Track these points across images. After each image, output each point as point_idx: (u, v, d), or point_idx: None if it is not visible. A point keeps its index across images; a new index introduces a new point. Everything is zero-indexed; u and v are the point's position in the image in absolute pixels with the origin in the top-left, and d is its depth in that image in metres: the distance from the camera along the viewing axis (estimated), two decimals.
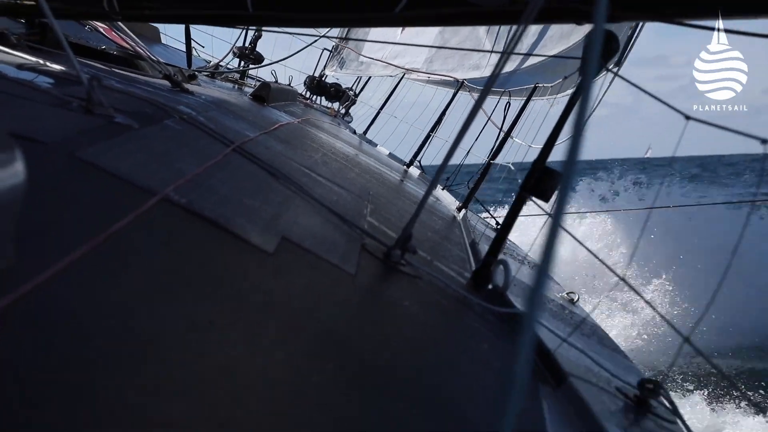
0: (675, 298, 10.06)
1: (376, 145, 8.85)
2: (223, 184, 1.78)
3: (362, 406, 1.12)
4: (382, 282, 1.92)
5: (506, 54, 2.60)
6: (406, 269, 2.02)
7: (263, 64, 7.59)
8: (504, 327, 2.04)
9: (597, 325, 3.22)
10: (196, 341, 0.99)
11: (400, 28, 8.52)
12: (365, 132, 9.94)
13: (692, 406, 6.68)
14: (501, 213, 6.76)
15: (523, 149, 5.77)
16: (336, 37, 10.92)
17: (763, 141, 1.83)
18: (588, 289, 7.54)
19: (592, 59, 0.88)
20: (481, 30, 7.86)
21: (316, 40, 7.49)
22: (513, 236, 2.76)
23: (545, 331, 2.13)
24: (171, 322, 1.00)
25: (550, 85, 6.61)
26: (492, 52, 7.19)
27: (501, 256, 2.41)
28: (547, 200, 2.24)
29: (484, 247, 3.13)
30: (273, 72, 7.56)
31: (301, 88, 10.07)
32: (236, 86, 6.18)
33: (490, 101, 6.69)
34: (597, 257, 2.86)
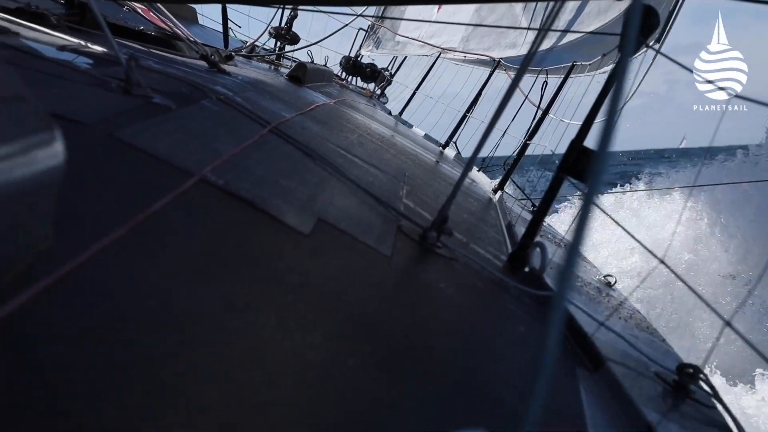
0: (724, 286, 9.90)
1: (411, 126, 8.80)
2: (260, 164, 1.79)
3: (397, 389, 1.11)
4: (418, 264, 1.91)
5: (543, 31, 2.56)
6: (442, 251, 2.01)
7: (300, 47, 7.56)
8: (540, 310, 2.02)
9: (635, 309, 3.18)
10: (232, 323, 0.99)
11: (437, 7, 8.45)
12: (401, 113, 9.87)
13: (733, 392, 6.58)
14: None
15: (560, 130, 5.70)
16: (372, 16, 10.87)
17: None
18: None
19: (630, 34, 0.86)
20: (518, 7, 7.76)
21: (353, 20, 7.47)
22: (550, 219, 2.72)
23: (582, 315, 2.10)
24: (208, 304, 1.01)
25: (588, 63, 6.50)
26: (529, 29, 7.09)
27: (537, 239, 2.38)
28: (585, 181, 2.20)
29: (520, 229, 3.10)
30: (309, 52, 7.56)
31: (336, 69, 10.05)
32: (272, 67, 6.18)
33: (527, 80, 6.61)
34: (635, 238, 2.81)
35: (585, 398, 1.57)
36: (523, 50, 7.74)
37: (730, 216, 11.44)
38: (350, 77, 10.61)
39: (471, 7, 8.49)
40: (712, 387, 1.95)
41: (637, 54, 3.78)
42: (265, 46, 7.60)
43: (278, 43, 7.61)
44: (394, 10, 10.66)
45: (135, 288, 0.94)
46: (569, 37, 6.98)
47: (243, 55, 5.74)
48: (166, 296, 0.96)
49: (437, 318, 1.60)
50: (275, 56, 6.99)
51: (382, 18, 11.05)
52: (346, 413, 0.95)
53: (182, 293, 0.99)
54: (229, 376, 0.86)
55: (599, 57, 6.37)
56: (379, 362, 1.16)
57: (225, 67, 3.47)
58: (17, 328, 0.74)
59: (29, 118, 0.79)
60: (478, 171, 6.69)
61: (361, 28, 11.21)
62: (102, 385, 0.72)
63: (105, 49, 2.50)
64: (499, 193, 5.08)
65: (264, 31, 6.91)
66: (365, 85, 10.65)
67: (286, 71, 5.58)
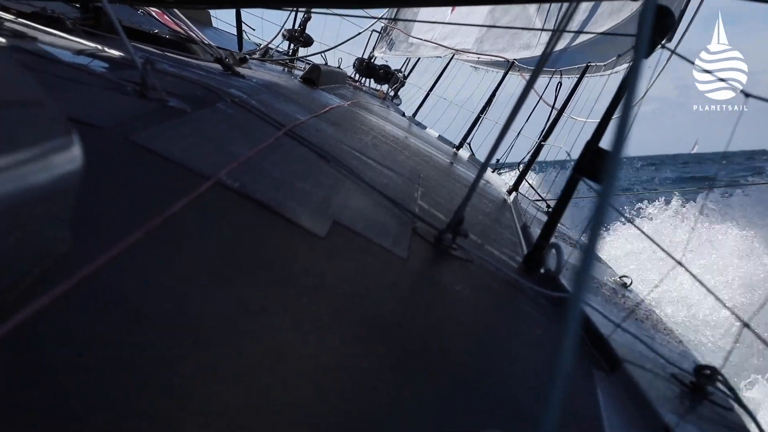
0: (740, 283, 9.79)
1: (425, 127, 8.79)
2: (275, 167, 1.79)
3: (413, 391, 1.11)
4: (434, 266, 1.91)
5: (558, 32, 2.55)
6: (458, 253, 2.01)
7: (316, 51, 7.55)
8: (556, 311, 2.01)
9: (652, 310, 3.16)
10: (248, 325, 0.99)
11: (450, 9, 8.44)
12: (414, 114, 9.86)
13: (752, 395, 6.51)
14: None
15: (575, 131, 5.67)
16: (386, 18, 10.87)
17: None
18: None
19: (643, 35, 0.85)
20: (532, 9, 7.73)
21: (373, 23, 7.45)
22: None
23: (599, 316, 2.09)
24: (223, 306, 1.01)
25: (603, 63, 6.47)
26: (543, 30, 7.06)
27: (553, 240, 2.37)
28: (601, 182, 2.19)
29: (535, 231, 3.09)
30: (323, 54, 7.57)
31: (350, 70, 10.06)
32: (286, 69, 6.20)
33: (541, 81, 6.58)
34: (652, 240, 2.79)
35: (602, 400, 1.56)
36: (538, 51, 7.71)
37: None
38: (364, 79, 10.61)
39: (485, 9, 8.47)
40: (731, 388, 1.93)
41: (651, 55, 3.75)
42: (278, 49, 7.61)
43: (292, 45, 7.62)
44: (408, 12, 10.65)
45: (151, 291, 0.94)
46: (582, 37, 6.95)
47: (256, 59, 5.75)
48: (182, 299, 0.96)
49: (453, 320, 1.60)
50: (290, 59, 7.00)
51: (396, 20, 11.04)
52: (362, 415, 0.95)
53: (198, 296, 1.00)
54: (245, 379, 0.86)
55: (614, 58, 6.34)
56: (394, 364, 1.16)
57: (239, 69, 3.48)
58: (35, 332, 0.74)
59: (46, 123, 0.79)
60: (492, 172, 6.67)
61: (374, 30, 11.21)
62: (117, 388, 0.72)
63: (120, 53, 2.51)
64: (514, 194, 5.06)
65: (278, 34, 6.93)
66: (378, 87, 10.64)
67: (299, 73, 5.59)
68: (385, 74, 10.61)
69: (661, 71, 4.47)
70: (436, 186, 3.35)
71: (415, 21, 10.47)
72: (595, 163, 2.17)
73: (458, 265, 1.96)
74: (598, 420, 1.46)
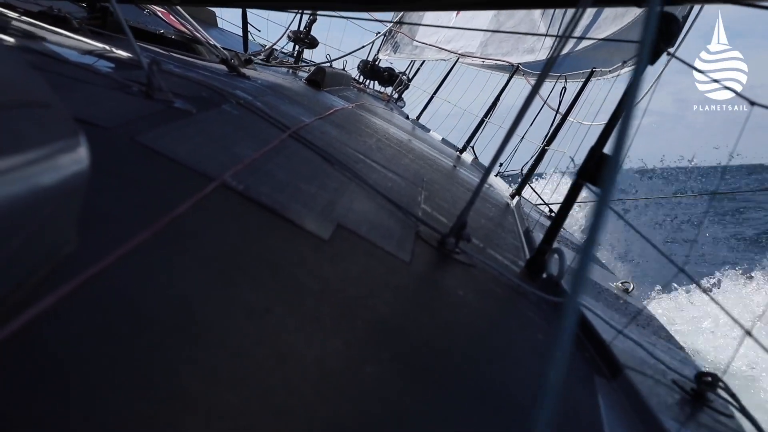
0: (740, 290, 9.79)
1: (429, 130, 8.79)
2: (280, 169, 1.79)
3: (416, 395, 1.11)
4: (437, 270, 1.91)
5: (563, 38, 2.55)
6: (461, 257, 2.01)
7: (331, 58, 7.53)
8: (558, 316, 2.01)
9: (653, 316, 3.15)
10: (252, 328, 0.99)
11: (455, 12, 8.44)
12: (418, 117, 9.86)
13: (753, 402, 6.48)
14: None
15: (579, 136, 5.68)
16: (390, 21, 10.87)
17: None
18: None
19: (646, 42, 0.85)
20: (536, 13, 7.73)
21: (381, 34, 7.42)
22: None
23: (600, 322, 2.09)
24: (228, 309, 1.01)
25: (607, 69, 6.47)
26: (547, 35, 7.07)
27: (555, 245, 2.37)
28: (601, 187, 2.19)
29: (538, 235, 3.09)
30: (328, 56, 7.57)
31: (354, 73, 10.05)
32: (291, 70, 6.20)
33: (545, 85, 6.58)
34: (656, 246, 2.79)
35: (603, 406, 1.56)
36: (542, 55, 7.71)
37: None
38: (368, 81, 10.61)
39: (489, 13, 8.47)
40: (733, 395, 1.93)
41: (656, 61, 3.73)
42: (283, 50, 7.61)
43: (297, 47, 7.62)
44: (413, 15, 10.65)
45: (155, 293, 0.94)
46: (586, 42, 6.95)
47: (262, 59, 5.76)
48: (187, 300, 0.96)
49: (455, 324, 1.60)
50: (294, 60, 7.01)
51: (400, 23, 11.04)
52: (366, 418, 0.95)
53: (202, 297, 1.00)
54: (248, 381, 0.86)
55: (619, 63, 6.34)
56: (398, 368, 1.16)
57: (244, 71, 3.48)
58: (40, 332, 0.74)
59: (53, 123, 0.80)
60: (496, 176, 6.67)
61: (379, 32, 11.20)
62: (121, 390, 0.73)
63: (127, 53, 2.52)
64: (517, 198, 5.06)
65: (283, 35, 6.93)
66: (383, 89, 10.64)
67: (304, 75, 5.60)
68: (389, 77, 10.61)
69: (661, 72, 4.46)
70: (440, 190, 3.35)
71: (420, 24, 10.47)
72: (599, 169, 2.17)
73: (461, 270, 1.96)
74: (599, 426, 1.46)
